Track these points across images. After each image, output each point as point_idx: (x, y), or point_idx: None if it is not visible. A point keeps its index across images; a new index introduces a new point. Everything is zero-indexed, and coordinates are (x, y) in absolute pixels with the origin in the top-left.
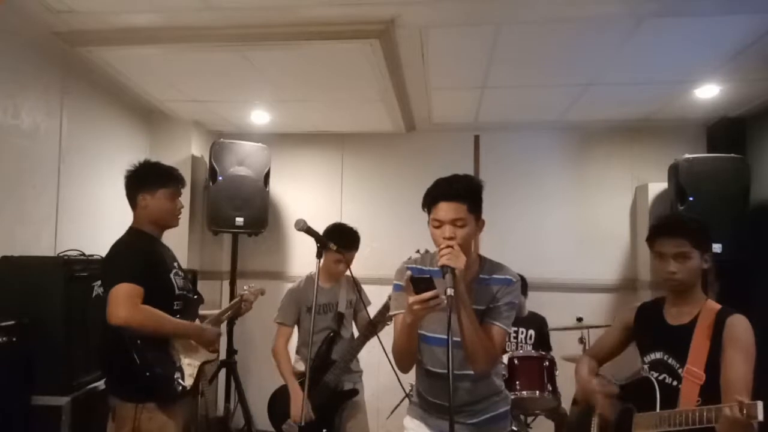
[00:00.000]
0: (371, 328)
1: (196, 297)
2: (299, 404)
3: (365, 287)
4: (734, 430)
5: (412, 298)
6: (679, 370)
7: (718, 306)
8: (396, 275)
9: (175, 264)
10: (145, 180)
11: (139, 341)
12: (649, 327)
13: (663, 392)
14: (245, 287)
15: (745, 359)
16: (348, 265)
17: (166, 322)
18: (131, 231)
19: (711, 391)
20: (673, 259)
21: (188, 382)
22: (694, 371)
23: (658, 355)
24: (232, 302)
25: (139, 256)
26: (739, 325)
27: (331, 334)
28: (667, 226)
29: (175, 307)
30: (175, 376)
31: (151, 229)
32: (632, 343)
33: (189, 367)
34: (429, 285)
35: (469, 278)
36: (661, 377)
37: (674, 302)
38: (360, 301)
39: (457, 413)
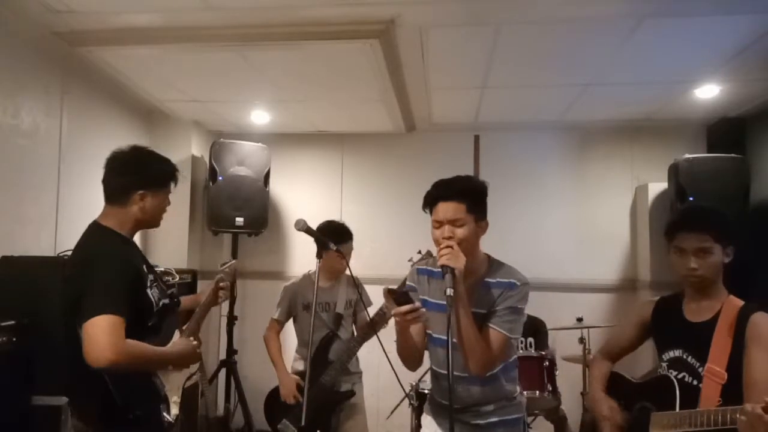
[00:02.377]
0: (369, 328)
1: (175, 300)
2: (287, 385)
3: (365, 287)
4: (756, 430)
5: (393, 310)
6: (699, 369)
7: (741, 302)
8: (409, 276)
9: (145, 267)
10: (152, 177)
11: (120, 378)
12: (668, 323)
13: (683, 391)
14: (221, 266)
15: None
16: (347, 258)
17: (151, 358)
18: (106, 233)
19: (733, 391)
20: (694, 255)
21: (173, 412)
22: (715, 370)
23: (677, 352)
24: (207, 296)
25: (123, 275)
26: (764, 323)
27: (330, 334)
28: (688, 220)
29: (148, 324)
30: (161, 409)
31: (128, 230)
32: (648, 339)
33: (173, 393)
34: (407, 299)
35: (474, 280)
36: (680, 376)
37: (694, 298)
38: (360, 301)
39: (463, 413)
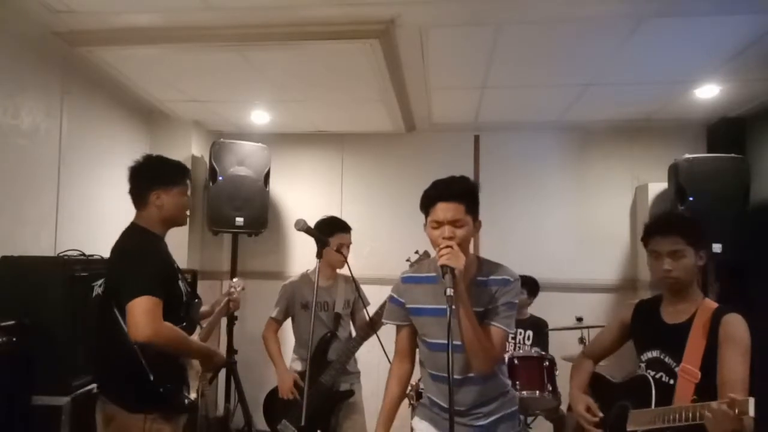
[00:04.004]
0: (369, 328)
1: (197, 301)
2: (285, 381)
3: (365, 287)
4: (722, 425)
5: None
6: (676, 369)
7: (715, 304)
8: (393, 288)
9: (176, 266)
10: (161, 176)
11: (152, 356)
12: (646, 325)
13: (659, 390)
14: (231, 283)
15: (742, 358)
16: (346, 251)
17: (185, 343)
18: (139, 231)
19: (706, 390)
20: (668, 257)
21: (193, 396)
22: (689, 369)
23: (655, 353)
24: (221, 306)
25: (156, 264)
26: (735, 323)
27: (328, 334)
28: (660, 224)
29: (181, 315)
30: (184, 389)
31: (159, 229)
32: (630, 341)
33: (193, 379)
34: None
35: (467, 280)
36: (657, 375)
37: (671, 300)
38: (359, 299)
39: (467, 415)
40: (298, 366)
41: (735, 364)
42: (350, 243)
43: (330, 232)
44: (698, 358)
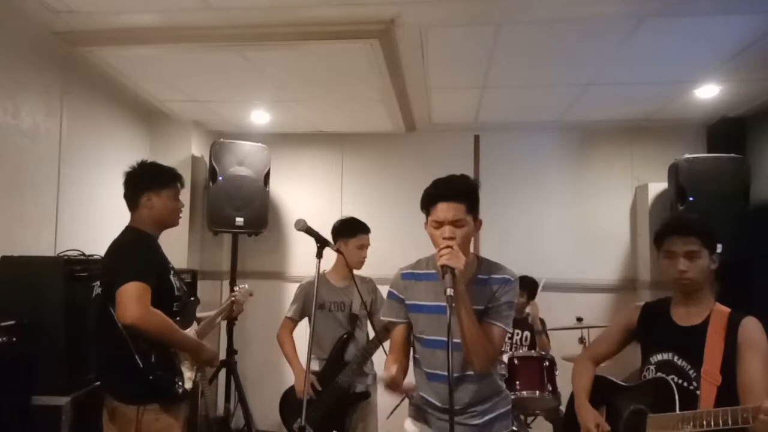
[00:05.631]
0: (384, 332)
1: (192, 299)
2: (302, 380)
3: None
4: None
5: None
6: (690, 372)
7: (728, 309)
8: (392, 283)
9: (170, 264)
10: (150, 180)
11: (142, 345)
12: (656, 327)
13: (679, 394)
14: (235, 288)
15: (763, 361)
16: (364, 251)
17: (173, 330)
18: (131, 231)
19: (727, 393)
20: (684, 258)
21: (188, 385)
22: (711, 372)
23: (667, 356)
24: (223, 306)
25: (144, 255)
26: (755, 328)
27: (345, 335)
28: (676, 225)
29: (174, 309)
30: (176, 380)
31: (151, 230)
32: (631, 343)
33: (188, 370)
34: None
35: (467, 278)
36: (670, 378)
37: (682, 303)
38: (377, 301)
39: (462, 414)
40: (315, 366)
41: (757, 368)
42: (369, 244)
43: (352, 233)
44: (718, 362)
